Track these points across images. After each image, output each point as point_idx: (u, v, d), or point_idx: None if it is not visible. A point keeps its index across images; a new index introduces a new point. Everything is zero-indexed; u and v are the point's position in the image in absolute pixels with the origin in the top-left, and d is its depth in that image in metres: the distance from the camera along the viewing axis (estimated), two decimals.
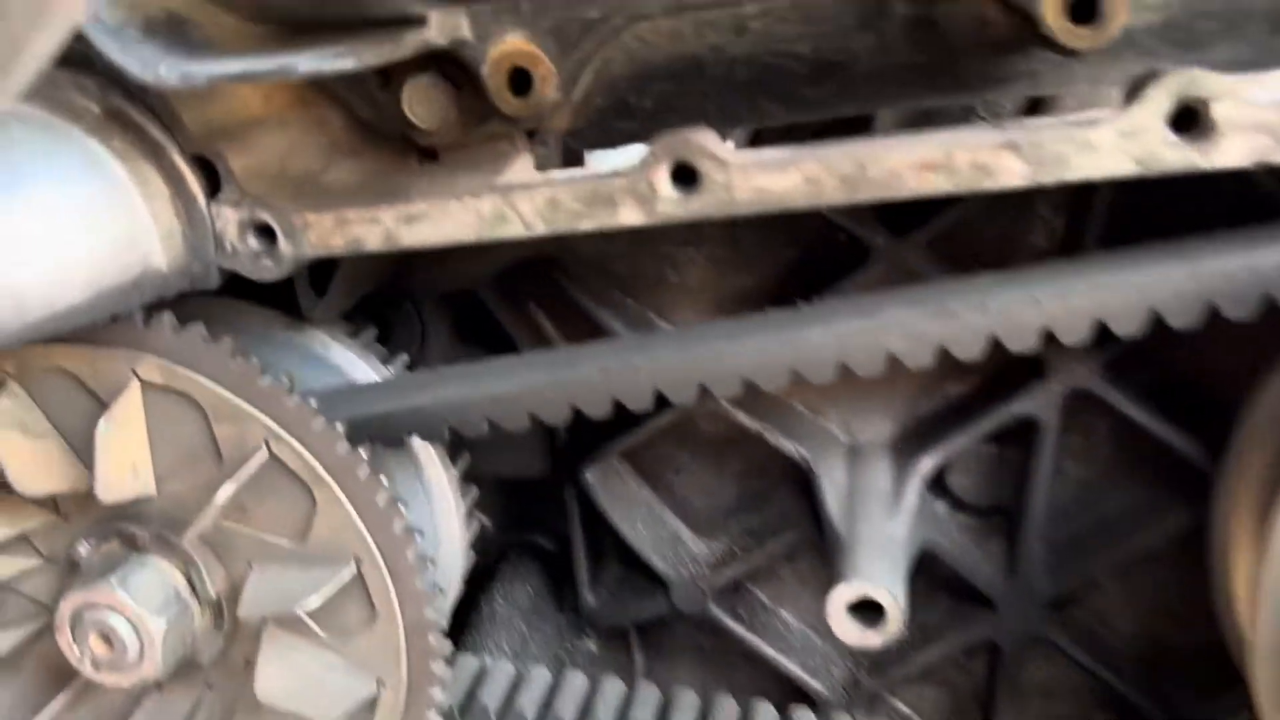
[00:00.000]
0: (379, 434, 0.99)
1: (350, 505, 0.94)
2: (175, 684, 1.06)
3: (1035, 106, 1.06)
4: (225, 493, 0.94)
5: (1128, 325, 0.82)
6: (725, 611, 1.20)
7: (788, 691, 1.21)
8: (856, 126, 0.98)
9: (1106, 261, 0.84)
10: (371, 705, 1.01)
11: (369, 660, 1.00)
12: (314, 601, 0.94)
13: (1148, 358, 1.03)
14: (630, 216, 0.81)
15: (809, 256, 1.10)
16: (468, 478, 1.14)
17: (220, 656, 1.04)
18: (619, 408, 0.92)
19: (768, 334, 0.88)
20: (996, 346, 0.84)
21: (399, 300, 1.22)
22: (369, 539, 0.95)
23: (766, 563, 1.20)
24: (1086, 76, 0.83)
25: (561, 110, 0.86)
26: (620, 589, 1.29)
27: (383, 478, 0.94)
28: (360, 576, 0.97)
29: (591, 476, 1.21)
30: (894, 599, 0.91)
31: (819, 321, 0.87)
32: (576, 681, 1.11)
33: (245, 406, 0.93)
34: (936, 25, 0.81)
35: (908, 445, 1.10)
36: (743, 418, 1.10)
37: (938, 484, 1.13)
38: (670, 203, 0.81)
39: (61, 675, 1.08)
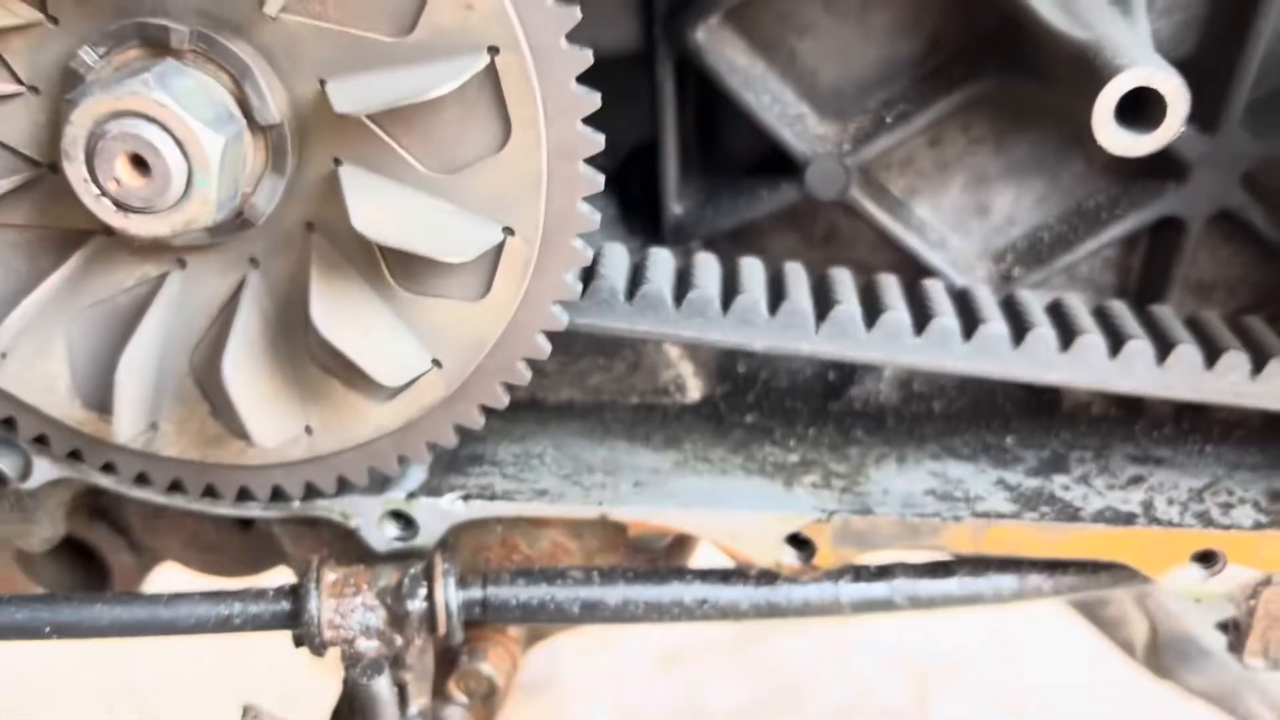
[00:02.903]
0: None
1: None
2: (209, 257, 0.82)
3: None
4: None
5: None
6: (868, 197, 1.01)
7: None
8: None
9: None
10: (494, 258, 0.80)
11: (493, 197, 0.77)
12: (427, 93, 0.70)
13: None
14: None
15: None
16: None
17: (276, 215, 0.80)
18: None
19: None
20: None
21: None
22: (512, 13, 0.71)
23: (905, 145, 1.00)
24: None
25: None
26: (714, 195, 1.08)
27: None
28: (493, 72, 0.73)
29: (703, 38, 0.98)
30: (1179, 84, 0.74)
31: None
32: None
33: None
34: None
35: None
36: None
37: None
38: None
39: (57, 244, 0.82)
